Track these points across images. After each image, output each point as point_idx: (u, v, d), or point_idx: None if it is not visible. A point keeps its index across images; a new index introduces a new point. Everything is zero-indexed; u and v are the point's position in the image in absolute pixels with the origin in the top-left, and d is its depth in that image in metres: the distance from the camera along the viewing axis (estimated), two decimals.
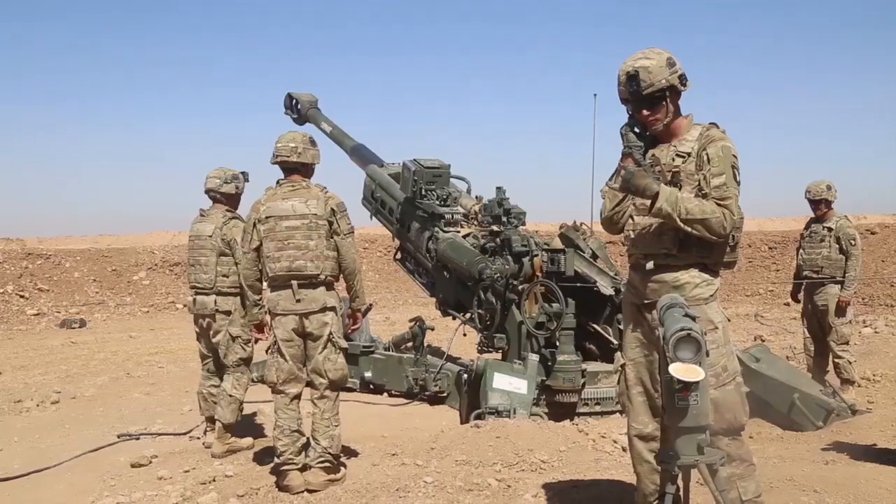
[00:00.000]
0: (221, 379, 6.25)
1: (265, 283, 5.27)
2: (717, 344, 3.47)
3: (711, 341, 3.40)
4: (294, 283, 5.07)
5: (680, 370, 2.99)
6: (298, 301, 5.07)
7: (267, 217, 5.14)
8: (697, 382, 3.00)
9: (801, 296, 7.99)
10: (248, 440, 6.22)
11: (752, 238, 20.41)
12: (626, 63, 3.57)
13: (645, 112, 3.59)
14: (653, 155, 3.63)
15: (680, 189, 3.50)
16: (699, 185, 3.49)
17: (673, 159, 3.58)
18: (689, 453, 3.11)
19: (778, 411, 6.45)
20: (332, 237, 5.16)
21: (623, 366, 3.75)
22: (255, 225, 5.18)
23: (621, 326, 7.15)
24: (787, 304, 14.66)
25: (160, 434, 6.67)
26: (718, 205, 3.42)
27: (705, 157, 3.49)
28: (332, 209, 5.16)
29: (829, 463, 5.28)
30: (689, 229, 3.41)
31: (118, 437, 6.55)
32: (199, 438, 6.44)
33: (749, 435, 5.89)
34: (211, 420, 6.26)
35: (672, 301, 3.26)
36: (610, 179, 3.76)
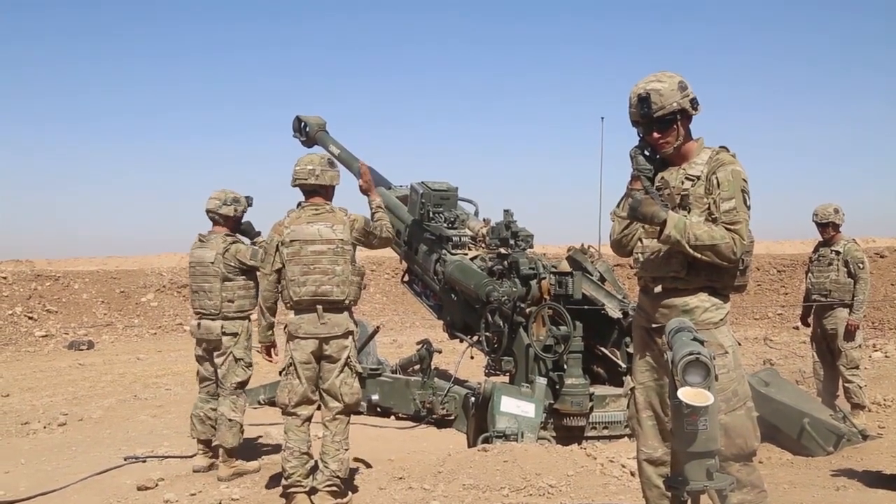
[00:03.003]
0: (217, 402, 6.24)
1: (285, 306, 5.27)
2: (728, 368, 3.45)
3: (721, 366, 3.38)
4: (319, 307, 5.09)
5: (688, 395, 2.96)
6: (323, 325, 5.08)
7: (291, 240, 5.15)
8: (706, 407, 2.98)
9: (810, 320, 7.96)
10: (255, 463, 6.19)
11: (760, 261, 20.35)
12: (638, 85, 3.58)
13: (656, 135, 3.59)
14: (662, 178, 3.63)
15: (689, 212, 3.50)
16: (709, 209, 3.49)
17: (682, 182, 3.57)
18: (698, 479, 3.07)
19: (788, 436, 6.41)
20: (354, 263, 5.24)
21: (633, 389, 3.72)
22: (277, 248, 5.19)
23: (630, 350, 7.17)
24: (797, 328, 14.60)
25: (167, 457, 6.64)
26: (728, 229, 3.41)
27: (715, 182, 3.48)
28: (367, 229, 5.27)
29: (839, 489, 5.23)
30: (699, 255, 3.40)
31: (125, 459, 6.53)
32: (190, 457, 6.43)
33: (759, 460, 5.87)
34: (205, 443, 6.26)
35: (680, 325, 3.24)
36: (618, 206, 3.77)
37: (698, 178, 3.55)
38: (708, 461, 3.07)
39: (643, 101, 3.53)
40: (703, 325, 3.46)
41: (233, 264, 6.16)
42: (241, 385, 6.23)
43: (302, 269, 5.11)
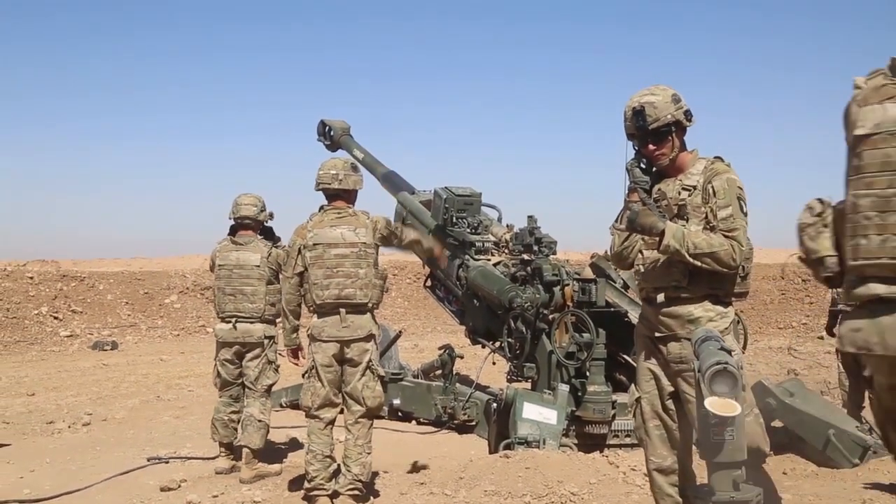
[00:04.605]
0: (240, 405, 6.29)
1: (308, 309, 5.30)
2: None
3: None
4: (342, 310, 5.12)
5: (716, 405, 2.94)
6: (346, 327, 5.10)
7: (315, 244, 5.18)
8: (734, 417, 2.96)
9: (836, 330, 7.88)
10: (277, 466, 6.22)
11: (785, 270, 20.17)
12: (632, 99, 3.65)
13: (651, 147, 3.66)
14: (659, 189, 3.69)
15: (687, 221, 3.56)
16: (706, 217, 3.54)
17: (679, 193, 3.64)
18: (724, 489, 3.04)
19: (813, 447, 6.34)
20: (377, 266, 5.27)
21: (638, 399, 3.76)
22: (300, 251, 5.22)
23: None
24: (821, 338, 14.44)
25: (189, 458, 6.68)
26: (726, 236, 3.47)
27: (710, 190, 3.55)
28: (388, 230, 5.31)
29: (866, 502, 5.17)
30: (699, 263, 3.45)
31: (148, 460, 6.57)
32: (212, 459, 6.47)
33: (783, 471, 5.83)
34: (227, 446, 6.29)
35: (707, 334, 3.23)
36: (617, 220, 3.80)
37: (695, 187, 3.61)
38: (734, 472, 3.05)
39: (638, 114, 3.60)
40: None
41: (274, 268, 6.21)
42: (271, 387, 6.29)
43: (325, 273, 5.14)
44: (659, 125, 3.59)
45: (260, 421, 6.11)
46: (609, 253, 4.00)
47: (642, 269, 3.73)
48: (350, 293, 5.12)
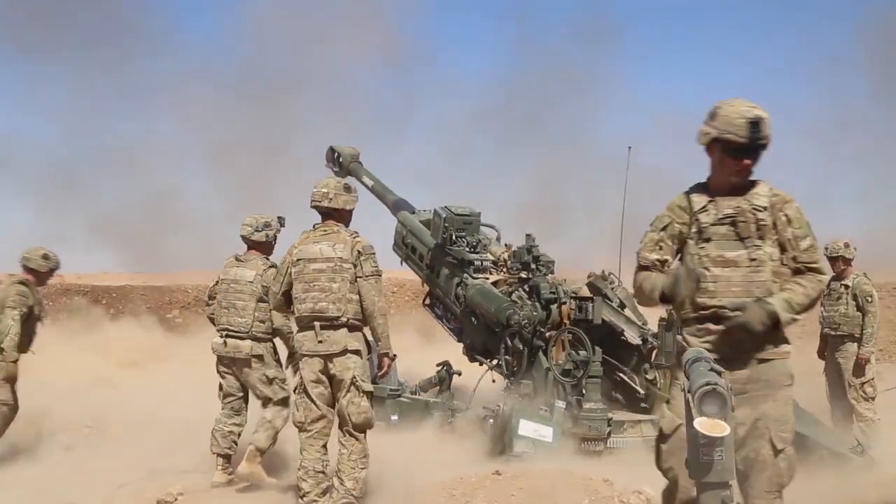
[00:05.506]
0: (241, 419, 6.38)
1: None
2: (791, 399, 3.57)
3: (788, 395, 3.54)
4: (316, 324, 5.17)
5: (705, 425, 2.98)
6: (321, 342, 5.16)
7: (298, 260, 5.29)
8: (722, 437, 3.00)
9: (826, 353, 8.02)
10: (273, 481, 6.23)
11: None
12: (746, 108, 3.52)
13: (747, 161, 3.56)
14: (737, 206, 3.58)
15: (762, 241, 3.52)
16: (780, 244, 3.54)
17: (755, 213, 3.57)
18: None
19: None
20: (354, 283, 5.26)
21: (678, 427, 3.48)
22: (287, 268, 5.32)
23: (648, 376, 7.21)
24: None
25: (187, 471, 6.67)
26: (809, 268, 3.51)
27: (785, 219, 3.55)
28: (358, 251, 5.27)
29: None
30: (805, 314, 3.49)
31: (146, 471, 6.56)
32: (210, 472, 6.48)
33: None
34: (225, 458, 6.32)
35: (697, 355, 3.27)
36: (650, 250, 3.69)
37: (765, 208, 3.56)
38: (723, 492, 3.08)
39: (758, 125, 3.49)
40: (782, 355, 3.54)
41: (266, 285, 6.28)
42: (284, 400, 6.29)
43: (303, 287, 5.24)
44: (767, 142, 3.54)
45: (270, 422, 6.16)
46: (633, 287, 3.81)
47: (711, 287, 3.53)
48: (323, 307, 5.19)
